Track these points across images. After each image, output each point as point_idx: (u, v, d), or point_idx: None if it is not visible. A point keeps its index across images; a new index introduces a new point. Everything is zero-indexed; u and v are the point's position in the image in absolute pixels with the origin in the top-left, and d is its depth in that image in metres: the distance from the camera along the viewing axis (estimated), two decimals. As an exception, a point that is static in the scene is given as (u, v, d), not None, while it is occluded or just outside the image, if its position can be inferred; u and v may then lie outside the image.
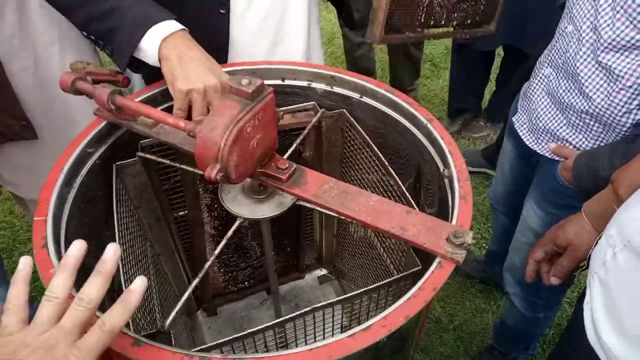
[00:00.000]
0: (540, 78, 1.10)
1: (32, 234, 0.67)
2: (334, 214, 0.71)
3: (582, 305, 0.72)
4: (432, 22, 1.06)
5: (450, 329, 1.74)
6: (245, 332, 0.64)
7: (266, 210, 0.79)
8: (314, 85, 0.96)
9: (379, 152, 0.89)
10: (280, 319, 0.67)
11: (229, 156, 0.62)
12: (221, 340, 0.62)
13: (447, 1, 1.04)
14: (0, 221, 2.08)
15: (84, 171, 0.80)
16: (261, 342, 0.70)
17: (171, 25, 0.80)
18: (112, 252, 0.51)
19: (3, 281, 1.36)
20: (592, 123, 0.98)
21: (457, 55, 2.34)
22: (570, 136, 1.03)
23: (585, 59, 0.94)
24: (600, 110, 0.94)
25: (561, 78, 1.02)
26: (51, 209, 0.70)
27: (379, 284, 0.73)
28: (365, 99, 0.94)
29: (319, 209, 0.73)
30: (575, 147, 1.04)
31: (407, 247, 0.84)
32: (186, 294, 0.67)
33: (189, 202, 1.02)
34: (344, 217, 0.71)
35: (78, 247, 0.51)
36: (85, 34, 0.86)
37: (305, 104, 0.96)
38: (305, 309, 0.69)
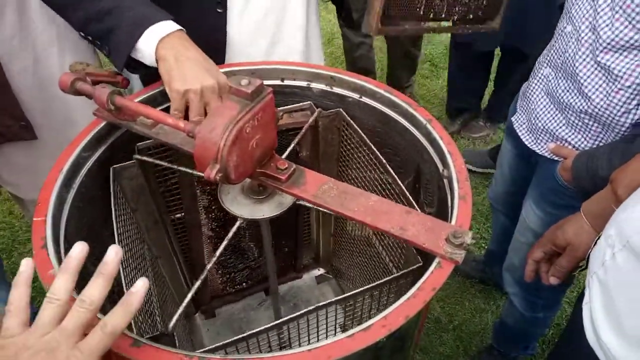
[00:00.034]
0: (540, 78, 1.10)
1: (31, 234, 0.67)
2: (333, 214, 0.71)
3: (581, 305, 0.72)
4: (431, 15, 1.03)
5: (449, 329, 1.74)
6: (247, 334, 0.63)
7: (266, 210, 0.79)
8: (313, 85, 0.96)
9: (376, 151, 0.89)
10: (282, 320, 0.67)
11: (228, 156, 0.62)
12: (225, 342, 0.62)
13: None
14: (0, 221, 2.08)
15: (83, 171, 0.80)
16: (264, 343, 0.70)
17: (168, 26, 0.80)
18: (113, 254, 0.51)
19: (2, 282, 1.36)
20: (591, 123, 0.98)
21: (454, 54, 2.34)
22: (569, 136, 1.04)
23: (584, 59, 0.94)
24: (599, 110, 0.94)
25: (560, 78, 1.02)
26: (50, 209, 0.70)
27: (380, 282, 0.73)
28: (365, 99, 0.94)
29: (319, 208, 0.73)
30: (574, 147, 1.04)
31: (406, 244, 0.84)
32: (189, 295, 0.67)
33: (187, 204, 1.02)
34: (343, 218, 0.71)
35: (80, 249, 0.51)
36: (82, 34, 0.86)
37: (301, 103, 0.96)
38: (309, 308, 0.69)
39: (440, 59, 3.04)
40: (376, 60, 2.74)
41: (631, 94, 0.89)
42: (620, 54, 0.87)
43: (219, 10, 0.96)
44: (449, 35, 2.40)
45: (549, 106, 1.07)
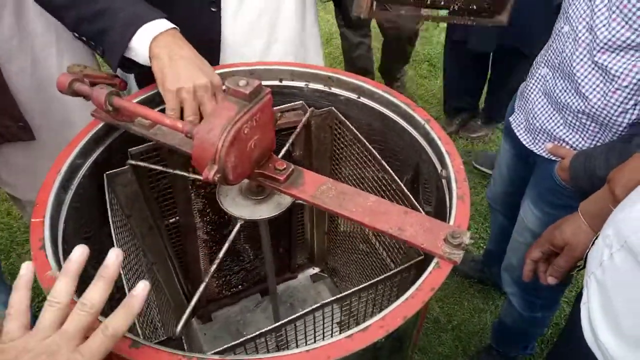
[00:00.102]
0: (537, 78, 1.10)
1: (29, 235, 0.67)
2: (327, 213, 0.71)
3: (579, 305, 0.72)
4: (429, 1, 0.97)
5: (448, 329, 1.74)
6: (247, 337, 0.63)
7: (265, 211, 0.79)
8: (311, 86, 0.96)
9: (371, 148, 0.89)
10: (282, 322, 0.67)
11: (226, 157, 0.62)
12: (225, 347, 0.62)
13: None
14: (-2, 222, 2.08)
15: (81, 173, 0.80)
16: (263, 345, 0.69)
17: (162, 24, 0.80)
18: (114, 257, 0.51)
19: (1, 284, 1.36)
20: (588, 123, 0.98)
21: (449, 53, 2.34)
22: (567, 136, 1.04)
23: (581, 59, 0.94)
24: (596, 110, 0.94)
25: (558, 78, 1.02)
26: (48, 210, 0.70)
27: (379, 278, 0.73)
28: (363, 100, 0.94)
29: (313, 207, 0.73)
30: (571, 146, 1.04)
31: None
32: (195, 297, 0.67)
33: (181, 208, 1.02)
34: (338, 217, 0.71)
35: (80, 252, 0.51)
36: (76, 35, 0.86)
37: (293, 103, 0.96)
38: (309, 309, 0.69)
39: (439, 59, 3.04)
40: (375, 60, 2.74)
41: (628, 93, 0.89)
42: (617, 54, 0.88)
43: (213, 10, 0.96)
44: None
45: (547, 106, 1.07)
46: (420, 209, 0.79)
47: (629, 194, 0.69)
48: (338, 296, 0.72)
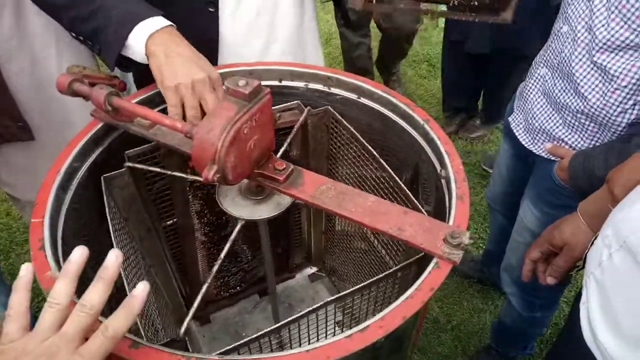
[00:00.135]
0: (536, 78, 1.10)
1: (29, 235, 0.67)
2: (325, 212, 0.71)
3: (579, 305, 0.72)
4: None
5: (448, 329, 1.75)
6: (247, 339, 0.63)
7: (264, 211, 0.79)
8: (311, 86, 0.96)
9: (369, 146, 0.89)
10: (282, 323, 0.67)
11: (226, 157, 0.62)
12: (225, 349, 0.62)
13: None
14: (-3, 223, 2.08)
15: (80, 173, 0.80)
16: (265, 345, 0.69)
17: (158, 22, 0.80)
18: (114, 258, 0.51)
19: (0, 284, 1.36)
20: (587, 123, 0.98)
21: (447, 53, 2.34)
22: (566, 136, 1.04)
23: (580, 59, 0.94)
24: (595, 110, 0.94)
25: (557, 78, 1.02)
26: (48, 210, 0.70)
27: (379, 276, 0.73)
28: (363, 100, 0.94)
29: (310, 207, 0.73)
30: (571, 146, 1.04)
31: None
32: (199, 297, 0.67)
33: (179, 210, 1.01)
34: (341, 218, 0.71)
35: (80, 254, 0.51)
36: (73, 34, 0.85)
37: (289, 103, 0.96)
38: (308, 309, 0.69)
39: (438, 59, 3.03)
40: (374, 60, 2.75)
41: (627, 93, 0.89)
42: (616, 54, 0.88)
43: (211, 10, 0.96)
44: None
45: (546, 106, 1.07)
46: (420, 206, 0.79)
47: (628, 194, 0.69)
48: (339, 295, 0.71)
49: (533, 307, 1.34)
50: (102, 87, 0.75)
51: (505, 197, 1.44)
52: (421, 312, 0.73)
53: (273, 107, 0.93)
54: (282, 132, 0.94)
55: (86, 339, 0.48)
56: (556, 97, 1.02)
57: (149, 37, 0.78)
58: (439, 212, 0.79)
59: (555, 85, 1.03)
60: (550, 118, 1.06)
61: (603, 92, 0.92)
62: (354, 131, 0.91)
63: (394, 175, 0.85)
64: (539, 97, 1.09)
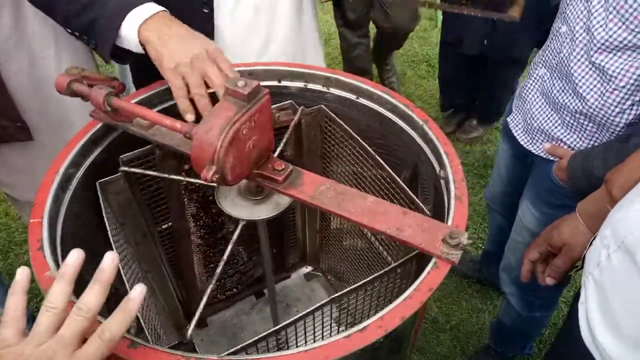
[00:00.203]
0: (535, 78, 1.10)
1: (27, 235, 0.67)
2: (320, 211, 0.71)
3: (577, 305, 0.72)
4: None
5: (447, 329, 1.75)
6: (246, 343, 0.63)
7: (263, 211, 0.79)
8: (310, 86, 0.96)
9: (364, 144, 0.88)
10: (281, 325, 0.67)
11: (225, 158, 0.63)
12: (226, 353, 0.62)
13: None
14: (-4, 223, 2.08)
15: (79, 173, 0.79)
16: (262, 347, 0.69)
17: (150, 8, 0.79)
18: (109, 261, 0.51)
19: (-1, 283, 1.36)
20: (586, 123, 0.99)
21: (443, 53, 2.35)
22: (565, 136, 1.04)
23: (578, 60, 0.94)
24: (594, 110, 0.95)
25: (555, 78, 1.02)
26: (47, 211, 0.70)
27: (379, 273, 0.72)
28: (362, 100, 0.94)
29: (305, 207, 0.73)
30: (569, 147, 1.04)
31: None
32: (204, 299, 0.67)
33: (175, 213, 1.01)
34: (342, 219, 0.71)
35: (76, 257, 0.51)
36: (69, 30, 0.85)
37: (282, 103, 0.96)
38: (308, 310, 0.69)
39: (437, 59, 3.04)
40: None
41: (625, 94, 0.89)
42: (615, 55, 0.88)
43: (205, 11, 0.96)
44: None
45: (544, 106, 1.07)
46: (417, 200, 0.79)
47: (626, 194, 0.69)
48: (340, 293, 0.71)
49: (532, 307, 1.34)
50: (101, 87, 0.75)
51: (504, 197, 1.44)
52: (420, 312, 0.73)
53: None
54: (276, 132, 0.94)
55: (85, 340, 0.48)
56: (555, 97, 1.02)
57: (141, 24, 0.78)
58: (438, 213, 0.79)
59: (553, 85, 1.03)
60: (548, 118, 1.06)
61: (601, 92, 0.92)
62: (349, 129, 0.91)
63: (391, 172, 0.85)
64: (538, 97, 1.09)
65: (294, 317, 0.68)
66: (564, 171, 0.98)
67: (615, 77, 0.89)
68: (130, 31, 0.78)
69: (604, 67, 0.89)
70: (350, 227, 1.14)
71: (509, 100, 2.32)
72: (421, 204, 0.79)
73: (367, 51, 2.62)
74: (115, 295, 0.60)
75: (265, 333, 0.65)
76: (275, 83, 0.96)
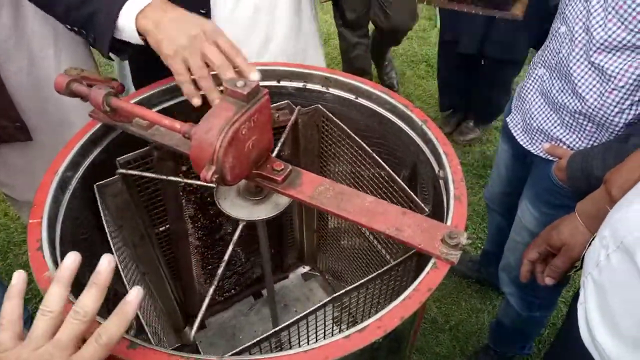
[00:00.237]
0: (534, 78, 1.10)
1: (26, 236, 0.67)
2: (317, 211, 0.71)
3: (576, 305, 0.72)
4: None
5: (446, 329, 1.75)
6: (247, 345, 0.63)
7: (263, 211, 0.79)
8: (309, 86, 0.96)
9: (362, 143, 0.88)
10: (281, 326, 0.67)
11: (224, 158, 0.62)
12: (246, 344, 0.61)
13: None
14: (-5, 223, 2.07)
15: (78, 174, 0.79)
16: (266, 347, 0.69)
17: None
18: (106, 263, 0.51)
19: (-2, 283, 1.36)
20: (585, 123, 0.99)
21: (441, 52, 2.35)
22: (564, 136, 1.04)
23: (578, 60, 0.94)
24: (593, 110, 0.95)
25: (554, 78, 1.02)
26: (46, 211, 0.70)
27: (378, 272, 0.72)
28: (361, 100, 0.94)
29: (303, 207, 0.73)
30: (569, 147, 1.04)
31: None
32: (206, 300, 0.66)
33: (172, 215, 1.01)
34: (341, 219, 0.71)
35: (72, 259, 0.50)
36: (68, 26, 0.85)
37: (278, 103, 0.96)
38: (308, 310, 0.69)
39: (436, 59, 3.04)
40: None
41: (624, 94, 0.89)
42: (614, 55, 0.88)
43: (202, 11, 0.96)
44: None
45: (544, 106, 1.07)
46: (417, 199, 0.79)
47: (626, 194, 0.69)
48: (342, 292, 0.70)
49: (532, 306, 1.34)
50: (101, 87, 0.75)
51: (503, 197, 1.44)
52: (419, 313, 0.73)
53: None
54: (274, 132, 0.94)
55: (84, 340, 0.48)
56: (554, 98, 1.02)
57: (138, 13, 0.77)
58: (437, 213, 0.79)
59: (553, 85, 1.03)
60: (548, 118, 1.06)
61: (600, 92, 0.92)
62: (346, 128, 0.91)
63: (389, 170, 0.85)
64: (537, 97, 1.09)
65: (297, 317, 0.68)
66: (563, 171, 0.98)
67: (615, 77, 0.89)
68: (128, 22, 0.78)
69: (603, 67, 0.90)
70: (348, 226, 1.14)
71: (506, 100, 2.34)
72: (420, 202, 0.79)
73: (367, 51, 2.62)
74: (114, 297, 0.59)
75: (268, 333, 0.65)
76: (274, 83, 0.96)
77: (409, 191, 0.81)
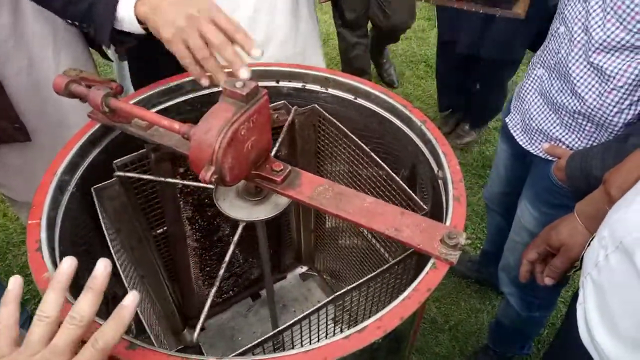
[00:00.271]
0: (533, 79, 1.10)
1: (25, 236, 0.67)
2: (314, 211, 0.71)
3: (575, 306, 0.72)
4: None
5: (445, 329, 1.75)
6: (248, 346, 0.63)
7: (262, 212, 0.79)
8: (308, 87, 0.96)
9: (360, 142, 0.88)
10: (281, 328, 0.67)
11: (223, 158, 0.62)
12: (249, 345, 0.61)
13: None
14: (-6, 224, 2.07)
15: (77, 174, 0.79)
16: (266, 348, 0.69)
17: None
18: (102, 268, 0.50)
19: (-3, 284, 1.36)
20: (584, 123, 0.99)
21: (440, 52, 2.35)
22: (564, 136, 1.04)
23: (577, 60, 0.94)
24: (592, 110, 0.95)
25: (554, 78, 1.02)
26: (45, 212, 0.70)
27: (377, 271, 0.72)
28: (360, 101, 0.94)
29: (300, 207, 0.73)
30: (568, 146, 1.04)
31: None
32: (208, 302, 0.67)
33: (170, 217, 1.01)
34: (325, 214, 0.71)
35: (68, 264, 0.50)
36: (69, 21, 0.85)
37: (275, 103, 0.96)
38: (308, 311, 0.68)
39: (436, 59, 3.05)
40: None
41: (624, 94, 0.90)
42: (612, 55, 0.88)
43: None
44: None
45: (543, 106, 1.07)
46: (416, 197, 0.79)
47: (625, 194, 0.69)
48: (342, 291, 0.70)
49: (532, 306, 1.34)
50: (99, 88, 0.75)
51: (502, 197, 1.44)
52: (419, 313, 0.73)
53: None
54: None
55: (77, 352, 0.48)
56: (553, 98, 1.03)
57: (137, 1, 0.77)
58: (436, 213, 0.79)
59: (552, 85, 1.03)
60: (547, 118, 1.06)
61: (600, 92, 0.92)
62: (342, 127, 0.91)
63: (387, 168, 0.85)
64: (536, 97, 1.09)
65: (299, 316, 0.68)
66: (562, 171, 0.98)
67: (614, 77, 0.89)
68: (127, 10, 0.77)
69: (602, 67, 0.90)
70: (345, 225, 1.14)
71: (502, 101, 2.34)
72: (419, 200, 0.79)
73: (366, 51, 2.62)
74: (114, 300, 0.59)
75: (271, 333, 0.65)
76: (273, 84, 0.96)
77: (408, 189, 0.81)
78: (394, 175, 0.84)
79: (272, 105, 0.95)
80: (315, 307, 0.69)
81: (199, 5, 0.75)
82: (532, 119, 1.10)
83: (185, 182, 0.88)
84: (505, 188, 1.39)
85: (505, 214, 1.47)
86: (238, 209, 0.79)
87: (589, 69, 0.93)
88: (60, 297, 0.49)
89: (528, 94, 1.12)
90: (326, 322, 0.80)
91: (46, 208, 0.71)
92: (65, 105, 1.11)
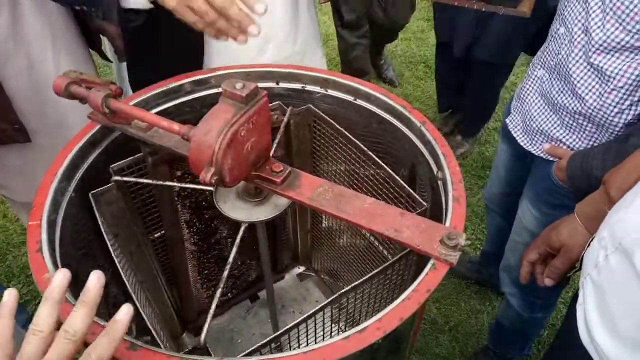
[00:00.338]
0: (533, 79, 1.10)
1: (25, 237, 0.67)
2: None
3: (575, 306, 0.72)
4: None
5: (445, 330, 1.75)
6: (249, 350, 0.63)
7: (262, 213, 0.79)
8: (308, 88, 0.96)
9: (357, 141, 0.88)
10: (282, 330, 0.67)
11: (223, 159, 0.63)
12: (256, 345, 0.61)
13: None
14: (-6, 225, 2.07)
15: (78, 175, 0.79)
16: (266, 350, 0.69)
17: None
18: (95, 280, 0.49)
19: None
20: (585, 123, 0.99)
21: (439, 53, 2.35)
22: (564, 136, 1.04)
23: (577, 61, 0.94)
24: (592, 110, 0.95)
25: (554, 79, 1.03)
26: (45, 213, 0.70)
27: (377, 270, 0.72)
28: (360, 102, 0.94)
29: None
30: (569, 147, 1.04)
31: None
32: (213, 304, 0.66)
33: (168, 220, 1.01)
34: (340, 220, 0.71)
35: (62, 277, 0.49)
36: (77, 7, 0.85)
37: (270, 104, 0.96)
38: (308, 313, 0.68)
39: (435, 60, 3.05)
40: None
41: (624, 94, 0.90)
42: (612, 55, 0.88)
43: None
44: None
45: (543, 107, 1.08)
46: (415, 195, 0.79)
47: (624, 195, 0.69)
48: (343, 291, 0.70)
49: (533, 307, 1.34)
50: (99, 89, 0.75)
51: (503, 198, 1.44)
52: (419, 313, 0.73)
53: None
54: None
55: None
56: (553, 98, 1.03)
57: None
58: (436, 214, 0.79)
59: (552, 86, 1.03)
60: (547, 119, 1.06)
61: (600, 93, 0.92)
62: (338, 126, 0.91)
63: (386, 168, 0.85)
64: (537, 98, 1.09)
65: (302, 317, 0.68)
66: (563, 171, 0.98)
67: (614, 78, 0.89)
68: None
69: (602, 67, 0.90)
70: (343, 225, 1.14)
71: (493, 109, 2.34)
72: (417, 196, 0.79)
73: (366, 52, 2.62)
74: (114, 300, 0.59)
75: (273, 335, 0.65)
76: (272, 85, 0.96)
77: (406, 186, 0.81)
78: (391, 172, 0.84)
79: None
80: (318, 307, 0.69)
81: None
82: (532, 119, 1.10)
83: (183, 185, 0.88)
84: (506, 188, 1.39)
85: (505, 214, 1.47)
86: (238, 210, 0.79)
87: (589, 70, 0.93)
88: (54, 310, 0.48)
89: (528, 94, 1.12)
90: (323, 321, 0.80)
91: (46, 209, 0.71)
92: (65, 107, 1.11)
